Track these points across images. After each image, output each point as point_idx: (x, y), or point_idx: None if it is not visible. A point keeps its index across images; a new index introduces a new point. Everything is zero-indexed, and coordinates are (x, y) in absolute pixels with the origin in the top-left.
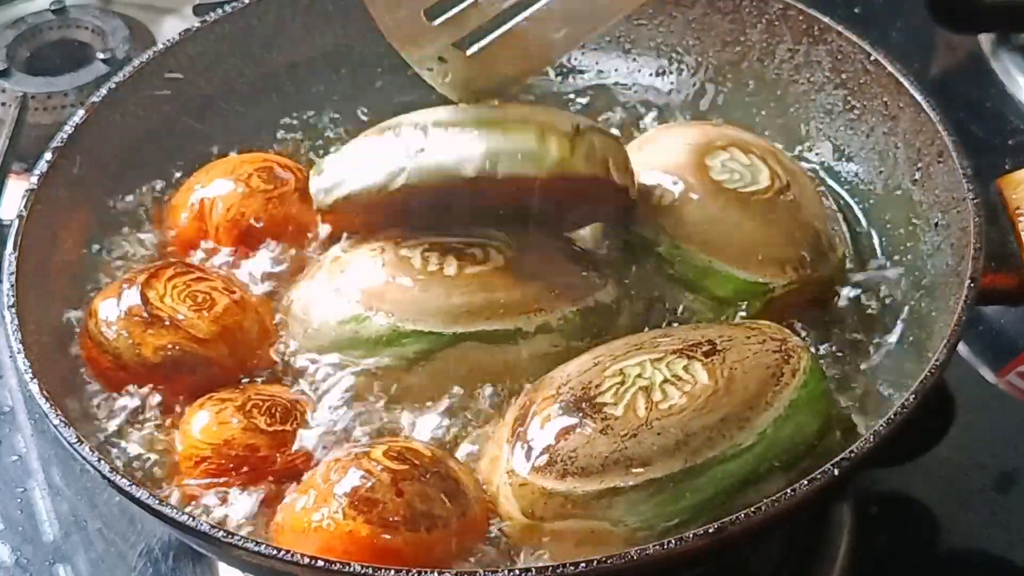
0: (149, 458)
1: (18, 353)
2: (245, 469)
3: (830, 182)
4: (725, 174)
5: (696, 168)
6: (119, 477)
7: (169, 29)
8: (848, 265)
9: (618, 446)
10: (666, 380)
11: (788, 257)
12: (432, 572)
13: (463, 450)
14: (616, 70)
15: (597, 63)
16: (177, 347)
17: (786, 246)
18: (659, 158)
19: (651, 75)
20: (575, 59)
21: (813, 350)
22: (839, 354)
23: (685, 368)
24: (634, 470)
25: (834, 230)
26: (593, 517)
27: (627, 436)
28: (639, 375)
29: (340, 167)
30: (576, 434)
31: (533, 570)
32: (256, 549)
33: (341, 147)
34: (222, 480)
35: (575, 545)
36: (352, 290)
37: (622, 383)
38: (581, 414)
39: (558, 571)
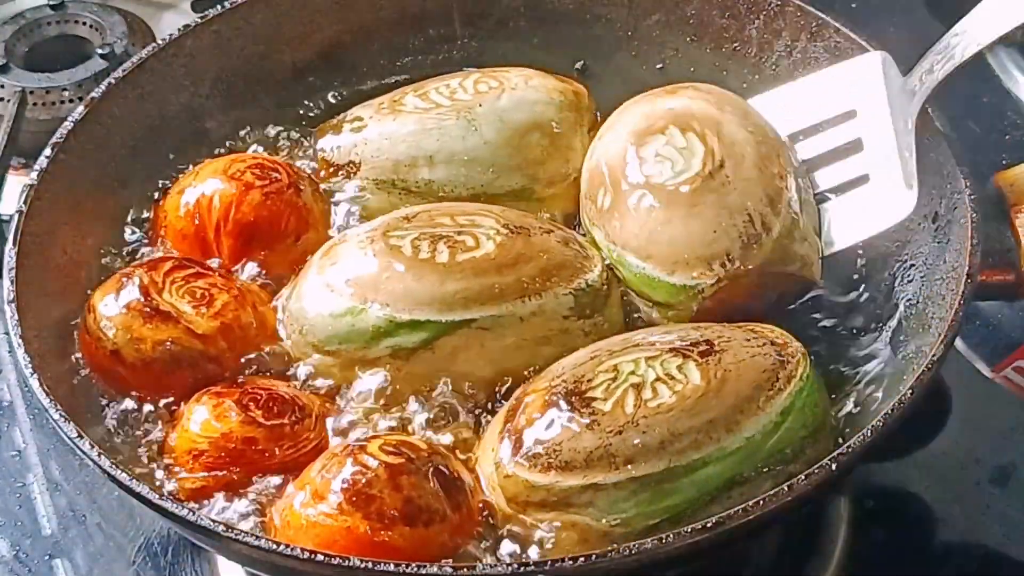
0: (148, 452)
1: (18, 348)
2: (243, 463)
3: None
4: (656, 166)
5: (629, 165)
6: (119, 471)
7: (168, 25)
8: (806, 243)
9: (603, 442)
10: (658, 378)
11: (714, 254)
12: (431, 567)
13: (461, 440)
14: (618, 67)
15: (601, 61)
16: (176, 343)
17: (712, 242)
18: (607, 151)
19: (651, 71)
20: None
21: (810, 344)
22: (836, 349)
23: (679, 367)
24: (616, 467)
25: (778, 201)
26: (574, 511)
27: (612, 432)
28: (632, 372)
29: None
30: (562, 428)
31: (532, 564)
32: (256, 543)
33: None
34: (220, 473)
35: (558, 539)
36: (345, 283)
37: (614, 379)
38: (570, 408)
39: (556, 565)
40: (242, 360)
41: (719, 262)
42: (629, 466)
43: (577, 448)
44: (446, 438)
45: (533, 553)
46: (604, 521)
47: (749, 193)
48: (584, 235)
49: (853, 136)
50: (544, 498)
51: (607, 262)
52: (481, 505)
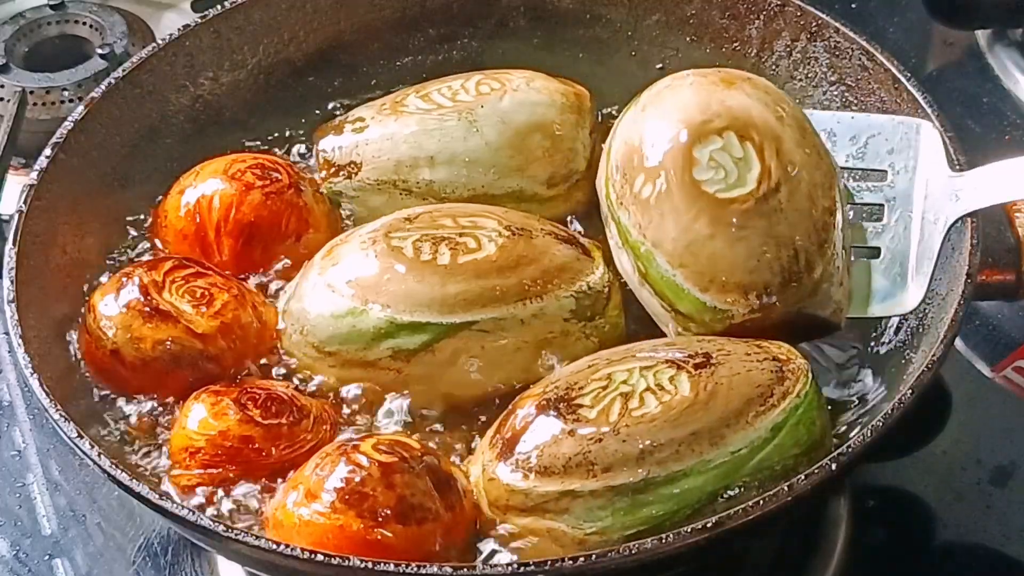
0: (148, 452)
1: (18, 347)
2: (239, 461)
3: None
4: (709, 172)
5: (681, 160)
6: (119, 471)
7: (168, 24)
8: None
9: (582, 449)
10: (648, 388)
11: (753, 283)
12: (431, 567)
13: (459, 442)
14: (617, 67)
15: (601, 60)
16: (176, 342)
17: (753, 271)
18: (652, 134)
19: (651, 71)
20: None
21: (808, 345)
22: (834, 349)
23: (671, 378)
24: (594, 475)
25: (824, 239)
26: (550, 518)
27: (592, 440)
28: (624, 381)
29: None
30: (545, 434)
31: (532, 564)
32: (256, 543)
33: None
34: (216, 471)
35: (535, 543)
36: (346, 283)
37: (605, 387)
38: (556, 414)
39: (556, 565)
40: (242, 360)
41: (756, 293)
42: (607, 474)
43: (556, 454)
44: (442, 439)
45: (510, 557)
46: (580, 529)
47: (799, 226)
48: (606, 205)
49: (878, 200)
50: (522, 502)
51: (622, 254)
52: (474, 506)
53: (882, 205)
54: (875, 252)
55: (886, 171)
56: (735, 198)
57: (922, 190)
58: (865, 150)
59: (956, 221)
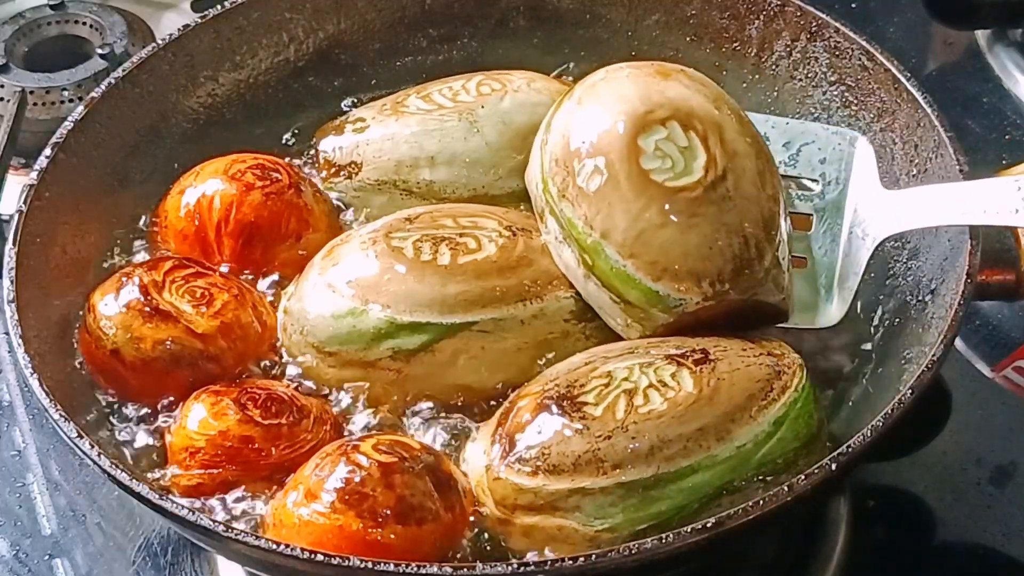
0: (148, 452)
1: (18, 347)
2: (239, 461)
3: None
4: (656, 161)
5: (627, 150)
6: (119, 471)
7: (168, 24)
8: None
9: (591, 447)
10: (651, 385)
11: (706, 271)
12: (431, 567)
13: (457, 442)
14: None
15: (601, 60)
16: (176, 342)
17: (706, 259)
18: (593, 125)
19: None
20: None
21: (809, 346)
22: (836, 350)
23: (673, 375)
24: (604, 472)
25: (771, 226)
26: (561, 516)
27: (601, 437)
28: (626, 378)
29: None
30: (551, 432)
31: (532, 564)
32: (256, 543)
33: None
34: (216, 472)
35: (543, 541)
36: (346, 283)
37: (607, 384)
38: (561, 412)
39: (556, 565)
40: (243, 360)
41: (708, 281)
42: (617, 471)
43: (565, 452)
44: (441, 440)
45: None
46: (591, 526)
47: (747, 213)
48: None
49: (807, 209)
50: (531, 501)
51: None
52: (474, 506)
53: (811, 215)
54: (803, 261)
55: (817, 180)
56: (684, 186)
57: (852, 204)
58: (797, 157)
59: (883, 240)
